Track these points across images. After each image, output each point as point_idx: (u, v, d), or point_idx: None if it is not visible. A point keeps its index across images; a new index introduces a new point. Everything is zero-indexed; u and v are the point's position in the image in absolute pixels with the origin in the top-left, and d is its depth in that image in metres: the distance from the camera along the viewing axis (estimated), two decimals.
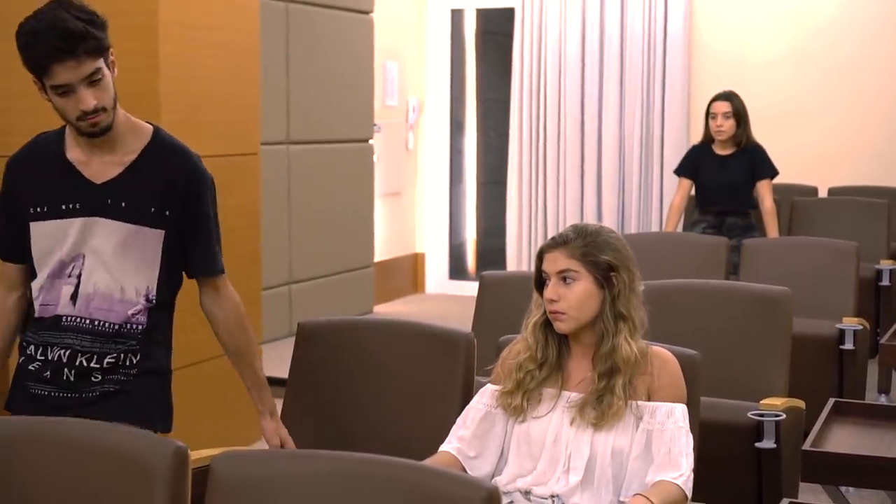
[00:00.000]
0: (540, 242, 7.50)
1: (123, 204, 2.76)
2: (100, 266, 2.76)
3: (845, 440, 2.99)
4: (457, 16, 9.13)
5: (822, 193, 7.45)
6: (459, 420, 2.73)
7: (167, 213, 2.79)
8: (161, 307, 2.84)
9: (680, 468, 2.54)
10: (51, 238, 2.77)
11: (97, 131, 2.71)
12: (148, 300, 2.80)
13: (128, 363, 2.80)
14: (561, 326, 2.66)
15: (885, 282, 5.86)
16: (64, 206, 2.77)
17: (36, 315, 2.82)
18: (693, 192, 6.41)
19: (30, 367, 2.82)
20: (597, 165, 8.41)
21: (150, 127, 2.86)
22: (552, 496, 2.58)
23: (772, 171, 6.23)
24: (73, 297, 2.77)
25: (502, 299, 3.94)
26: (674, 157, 7.60)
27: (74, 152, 2.79)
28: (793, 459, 3.35)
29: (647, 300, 2.74)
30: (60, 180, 2.78)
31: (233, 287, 2.94)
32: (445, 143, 9.14)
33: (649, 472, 2.55)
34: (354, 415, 3.04)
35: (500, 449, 2.70)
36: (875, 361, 5.13)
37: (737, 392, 3.53)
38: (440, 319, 3.74)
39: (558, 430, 2.63)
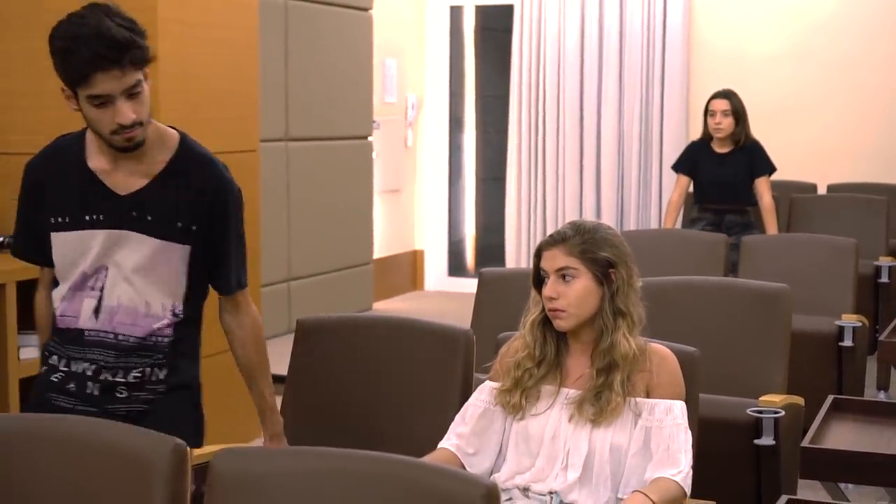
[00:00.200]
0: (539, 239, 7.51)
1: (150, 218, 2.67)
2: (123, 280, 2.68)
3: (844, 437, 2.99)
4: (456, 12, 9.13)
5: (822, 190, 7.46)
6: (458, 417, 2.73)
7: (193, 227, 2.70)
8: (188, 321, 2.77)
9: (679, 465, 2.54)
10: (73, 250, 2.69)
11: (131, 146, 2.62)
12: (174, 315, 2.73)
13: (154, 378, 2.72)
14: (561, 324, 2.66)
15: (884, 278, 5.87)
16: (87, 217, 2.67)
17: (56, 325, 2.75)
18: (691, 188, 6.41)
19: (52, 378, 2.74)
20: (596, 161, 8.41)
21: (177, 134, 2.76)
22: (550, 493, 2.59)
23: (770, 168, 6.23)
24: (96, 310, 2.69)
25: (501, 296, 3.94)
26: (673, 153, 7.60)
27: (97, 161, 2.69)
28: (792, 456, 3.35)
29: (646, 297, 2.74)
30: (82, 190, 2.68)
31: (254, 305, 2.88)
32: (444, 139, 9.14)
33: (648, 469, 2.56)
34: (353, 412, 3.05)
35: (499, 446, 2.70)
36: (874, 358, 5.14)
37: (736, 389, 3.53)
38: (439, 316, 3.75)
39: (557, 426, 2.63)
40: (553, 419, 2.64)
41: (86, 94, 2.54)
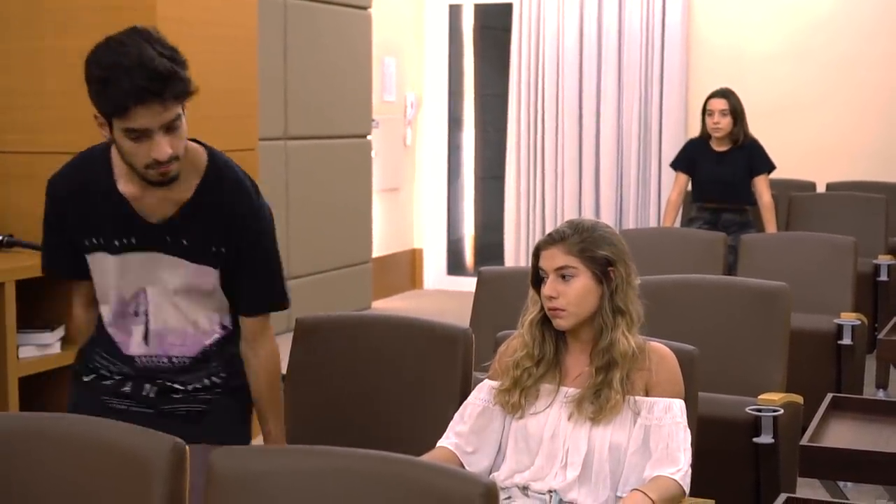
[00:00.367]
0: (538, 237, 7.49)
1: (185, 242, 2.61)
2: (166, 302, 2.64)
3: (843, 435, 3.00)
4: (455, 11, 9.13)
5: (820, 189, 7.46)
6: (457, 416, 2.73)
7: (223, 250, 2.63)
8: (237, 330, 2.75)
9: (678, 463, 2.54)
10: (107, 273, 2.64)
11: (165, 181, 2.51)
12: (223, 327, 2.73)
13: (209, 384, 2.72)
14: (560, 323, 2.66)
15: (883, 277, 5.87)
16: (118, 242, 2.60)
17: (107, 345, 2.70)
18: (689, 187, 6.41)
19: (104, 383, 2.71)
20: (595, 160, 8.41)
21: (204, 153, 2.65)
22: (550, 491, 2.59)
23: (769, 166, 6.23)
24: (145, 336, 2.66)
25: (500, 295, 3.94)
26: (671, 151, 7.60)
27: (127, 186, 2.58)
28: (791, 454, 3.35)
29: (645, 296, 2.74)
30: (113, 215, 2.59)
31: (275, 340, 2.81)
32: (443, 138, 9.13)
33: (647, 468, 2.56)
34: (352, 410, 3.04)
35: (498, 444, 2.70)
36: (873, 356, 5.14)
37: (735, 387, 3.53)
38: (438, 315, 3.74)
39: (556, 425, 2.63)
40: (552, 418, 2.64)
41: (122, 126, 2.42)
